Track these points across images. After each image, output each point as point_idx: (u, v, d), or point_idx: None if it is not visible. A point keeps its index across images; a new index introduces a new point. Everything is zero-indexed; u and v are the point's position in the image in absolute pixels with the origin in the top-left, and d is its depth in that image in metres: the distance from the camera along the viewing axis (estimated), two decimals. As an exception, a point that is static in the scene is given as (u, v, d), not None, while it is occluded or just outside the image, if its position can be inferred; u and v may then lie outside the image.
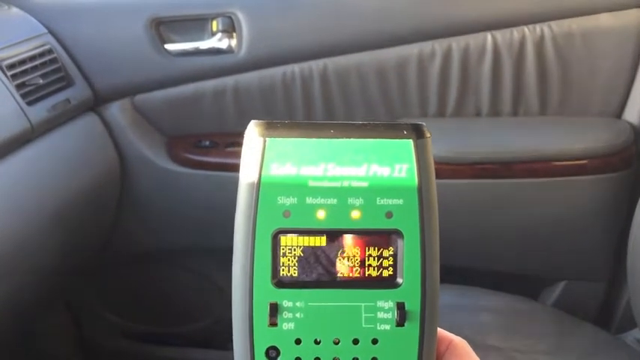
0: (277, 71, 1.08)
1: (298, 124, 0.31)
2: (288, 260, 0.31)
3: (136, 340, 1.30)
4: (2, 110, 0.90)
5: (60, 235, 0.98)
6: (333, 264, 0.31)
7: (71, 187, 1.00)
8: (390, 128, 0.31)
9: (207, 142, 1.11)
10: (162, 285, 1.27)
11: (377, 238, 0.31)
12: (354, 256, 0.31)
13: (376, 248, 0.31)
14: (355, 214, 0.31)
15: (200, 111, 1.11)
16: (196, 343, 1.29)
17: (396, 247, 0.31)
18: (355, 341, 0.31)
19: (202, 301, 1.27)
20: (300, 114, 1.09)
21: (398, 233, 0.31)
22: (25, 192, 0.91)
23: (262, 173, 0.31)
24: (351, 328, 0.31)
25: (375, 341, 0.31)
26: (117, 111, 1.10)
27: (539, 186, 1.04)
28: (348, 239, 0.31)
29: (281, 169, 0.31)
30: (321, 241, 0.31)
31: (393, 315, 0.31)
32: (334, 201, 0.31)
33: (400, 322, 0.31)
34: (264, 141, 0.31)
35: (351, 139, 0.31)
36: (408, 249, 0.31)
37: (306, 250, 0.31)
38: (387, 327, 0.31)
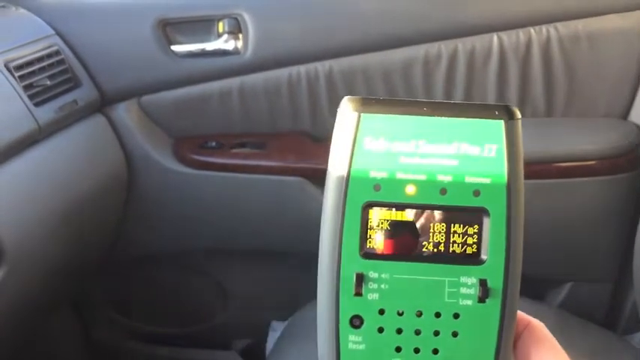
0: (283, 72, 1.08)
1: (391, 101, 0.32)
2: (376, 233, 0.32)
3: (142, 340, 1.31)
4: (10, 111, 0.90)
5: (67, 236, 0.99)
6: (420, 238, 0.32)
7: (78, 187, 1.01)
8: (481, 108, 0.32)
9: (214, 143, 1.12)
10: (168, 285, 1.27)
11: (464, 215, 0.32)
12: (440, 232, 0.32)
13: (462, 225, 0.32)
14: (443, 191, 0.31)
15: (206, 112, 1.11)
16: (202, 343, 1.29)
17: (482, 225, 0.32)
18: (437, 314, 0.32)
19: (208, 301, 1.27)
20: (306, 115, 1.09)
21: (484, 211, 0.32)
22: (32, 192, 0.92)
23: (355, 147, 0.31)
24: (433, 301, 0.32)
25: (456, 316, 0.32)
26: (123, 112, 1.10)
27: (544, 187, 1.04)
28: (435, 215, 0.32)
29: (374, 144, 0.31)
30: (409, 215, 0.32)
31: (475, 291, 0.32)
32: (424, 177, 0.31)
33: (482, 299, 0.32)
34: (359, 116, 0.31)
35: (443, 118, 0.31)
36: (494, 227, 0.32)
37: (393, 223, 0.32)
38: (469, 302, 0.32)
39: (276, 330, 1.19)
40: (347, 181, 0.31)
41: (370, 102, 0.32)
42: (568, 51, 1.05)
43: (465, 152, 0.31)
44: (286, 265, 1.17)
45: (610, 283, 1.10)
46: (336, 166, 0.32)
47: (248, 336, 1.28)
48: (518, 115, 0.32)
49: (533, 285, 1.11)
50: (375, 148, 0.31)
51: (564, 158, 1.03)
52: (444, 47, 1.06)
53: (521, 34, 1.05)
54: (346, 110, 0.32)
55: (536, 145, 1.04)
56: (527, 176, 1.14)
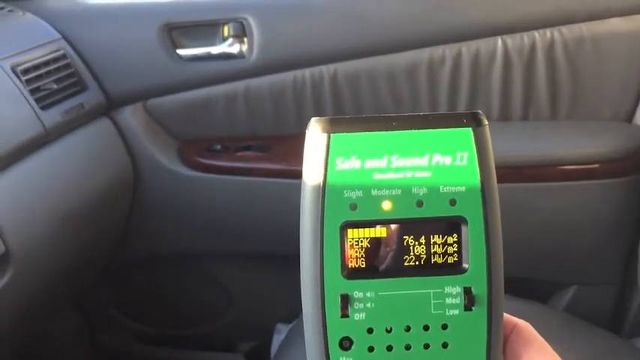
0: (288, 76, 1.08)
1: (359, 119, 0.32)
2: (356, 252, 0.32)
3: (146, 342, 1.31)
4: (17, 115, 0.91)
5: (72, 238, 0.99)
6: (401, 253, 0.32)
7: (84, 190, 1.01)
8: (449, 118, 0.32)
9: (219, 147, 1.12)
10: (173, 287, 1.28)
11: (442, 225, 0.32)
12: (421, 245, 0.32)
13: (441, 235, 0.32)
14: (420, 203, 0.32)
15: (211, 115, 1.12)
16: (207, 345, 1.29)
17: (461, 233, 0.32)
18: (425, 327, 0.32)
19: (213, 304, 1.27)
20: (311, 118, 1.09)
21: (462, 219, 0.32)
22: (38, 195, 0.92)
23: (328, 168, 0.31)
24: (421, 314, 0.32)
25: (444, 326, 0.32)
26: (129, 115, 1.11)
27: (549, 190, 1.04)
28: (414, 228, 0.32)
29: (346, 164, 0.31)
30: (387, 231, 0.32)
31: (461, 300, 0.32)
32: (399, 192, 0.32)
33: (468, 307, 0.32)
34: (329, 137, 0.32)
35: (413, 131, 0.32)
36: (473, 234, 0.32)
37: (373, 241, 0.32)
38: (456, 312, 0.32)
39: (281, 332, 1.19)
40: (322, 204, 0.31)
41: (339, 121, 0.32)
42: (572, 54, 1.05)
43: (437, 163, 0.32)
44: (291, 267, 1.17)
45: (615, 286, 1.10)
46: (310, 189, 0.32)
47: (253, 338, 1.28)
48: (486, 121, 0.32)
49: (538, 288, 1.11)
50: (348, 167, 0.31)
51: (569, 161, 1.03)
52: (449, 50, 1.06)
53: (526, 37, 1.05)
54: (315, 131, 0.32)
55: (541, 148, 1.04)
56: (531, 179, 1.14)
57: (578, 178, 1.03)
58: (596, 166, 1.02)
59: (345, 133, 0.32)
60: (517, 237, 1.08)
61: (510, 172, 1.02)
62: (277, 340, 1.19)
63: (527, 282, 1.10)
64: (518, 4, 1.07)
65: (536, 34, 1.05)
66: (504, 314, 0.33)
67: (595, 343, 0.90)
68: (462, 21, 1.07)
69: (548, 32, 1.05)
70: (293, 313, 1.03)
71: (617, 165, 1.02)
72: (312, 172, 0.32)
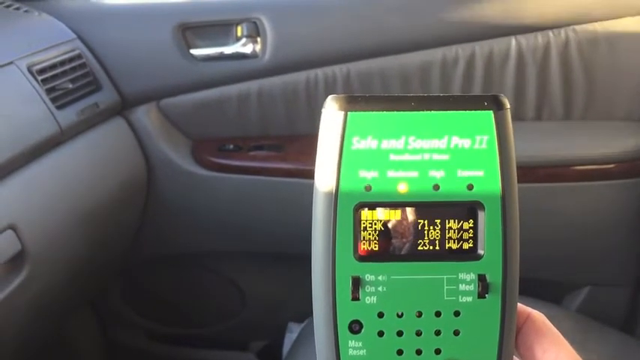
0: (301, 76, 1.08)
1: (378, 98, 0.31)
2: (369, 234, 0.31)
3: (159, 341, 1.32)
4: (33, 114, 0.92)
5: (87, 237, 1.00)
6: (415, 237, 0.31)
7: (99, 189, 1.02)
8: (470, 100, 0.31)
9: (231, 146, 1.12)
10: (186, 286, 1.28)
11: (458, 210, 0.31)
12: (436, 229, 0.31)
13: (457, 220, 0.31)
14: (436, 187, 0.31)
15: (224, 115, 1.12)
16: (219, 344, 1.30)
17: (477, 219, 0.31)
18: (437, 314, 0.31)
19: (225, 303, 1.28)
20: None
21: (479, 205, 0.31)
22: (54, 194, 0.93)
23: (344, 147, 0.31)
24: (433, 300, 0.31)
25: (457, 313, 0.31)
26: (143, 115, 1.12)
27: (563, 191, 1.03)
28: (429, 212, 0.31)
29: (362, 143, 0.31)
30: (402, 214, 0.31)
31: (474, 287, 0.31)
32: (415, 174, 0.31)
33: (482, 294, 0.31)
34: (345, 115, 0.31)
35: (432, 112, 0.31)
36: (489, 221, 0.31)
37: (387, 223, 0.31)
38: (469, 299, 0.31)
39: (292, 331, 1.19)
40: (337, 183, 0.31)
41: (356, 100, 0.31)
42: (586, 54, 1.05)
43: (455, 146, 0.31)
44: (303, 267, 1.17)
45: (629, 287, 1.09)
46: (325, 168, 0.31)
47: (265, 337, 1.28)
48: (507, 104, 0.31)
49: (551, 288, 1.11)
50: (364, 147, 0.31)
51: (582, 161, 1.03)
52: (462, 50, 1.06)
53: (540, 36, 1.05)
54: (332, 109, 0.31)
55: (555, 148, 1.03)
56: (545, 179, 1.13)
57: (593, 178, 1.02)
58: (611, 166, 1.02)
59: (362, 112, 0.31)
60: (530, 237, 1.07)
61: (524, 173, 1.01)
62: (289, 339, 1.19)
63: (540, 282, 1.09)
64: (532, 4, 1.07)
65: (550, 33, 1.05)
66: (518, 304, 0.32)
67: (608, 344, 0.90)
68: (476, 21, 1.07)
69: (562, 32, 1.05)
70: (305, 312, 1.03)
71: (632, 165, 1.02)
72: (327, 151, 0.31)
